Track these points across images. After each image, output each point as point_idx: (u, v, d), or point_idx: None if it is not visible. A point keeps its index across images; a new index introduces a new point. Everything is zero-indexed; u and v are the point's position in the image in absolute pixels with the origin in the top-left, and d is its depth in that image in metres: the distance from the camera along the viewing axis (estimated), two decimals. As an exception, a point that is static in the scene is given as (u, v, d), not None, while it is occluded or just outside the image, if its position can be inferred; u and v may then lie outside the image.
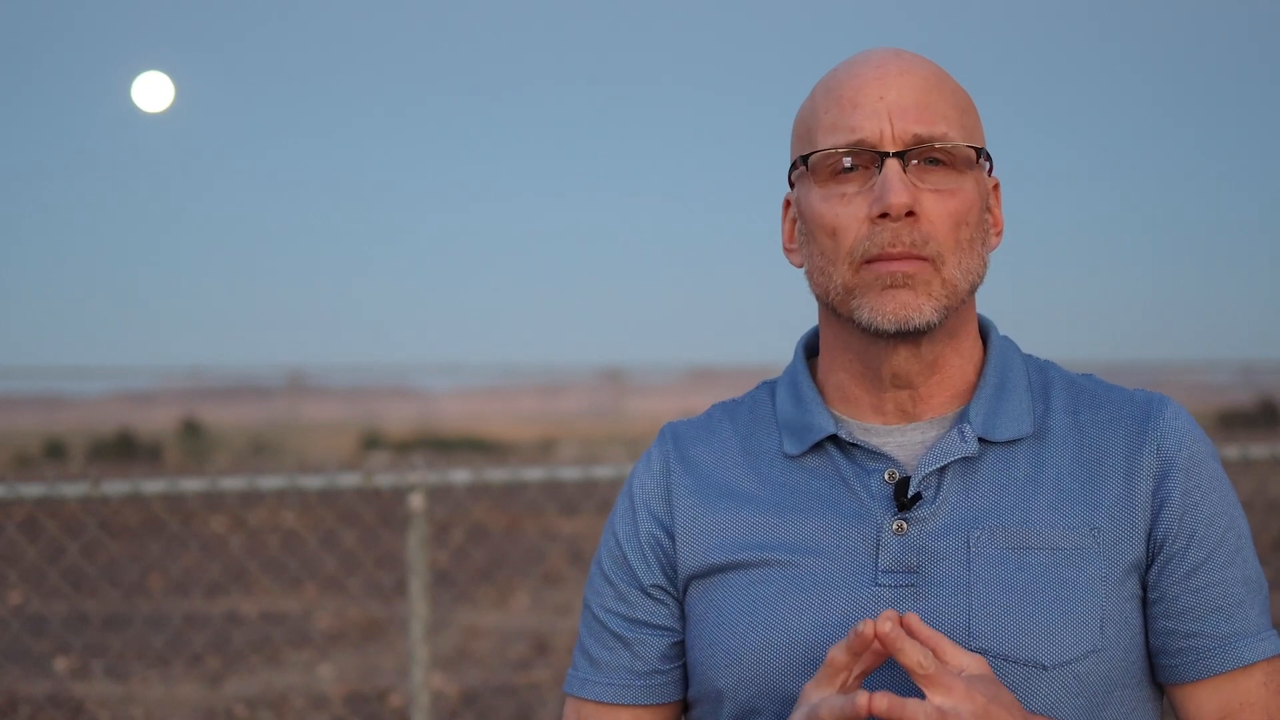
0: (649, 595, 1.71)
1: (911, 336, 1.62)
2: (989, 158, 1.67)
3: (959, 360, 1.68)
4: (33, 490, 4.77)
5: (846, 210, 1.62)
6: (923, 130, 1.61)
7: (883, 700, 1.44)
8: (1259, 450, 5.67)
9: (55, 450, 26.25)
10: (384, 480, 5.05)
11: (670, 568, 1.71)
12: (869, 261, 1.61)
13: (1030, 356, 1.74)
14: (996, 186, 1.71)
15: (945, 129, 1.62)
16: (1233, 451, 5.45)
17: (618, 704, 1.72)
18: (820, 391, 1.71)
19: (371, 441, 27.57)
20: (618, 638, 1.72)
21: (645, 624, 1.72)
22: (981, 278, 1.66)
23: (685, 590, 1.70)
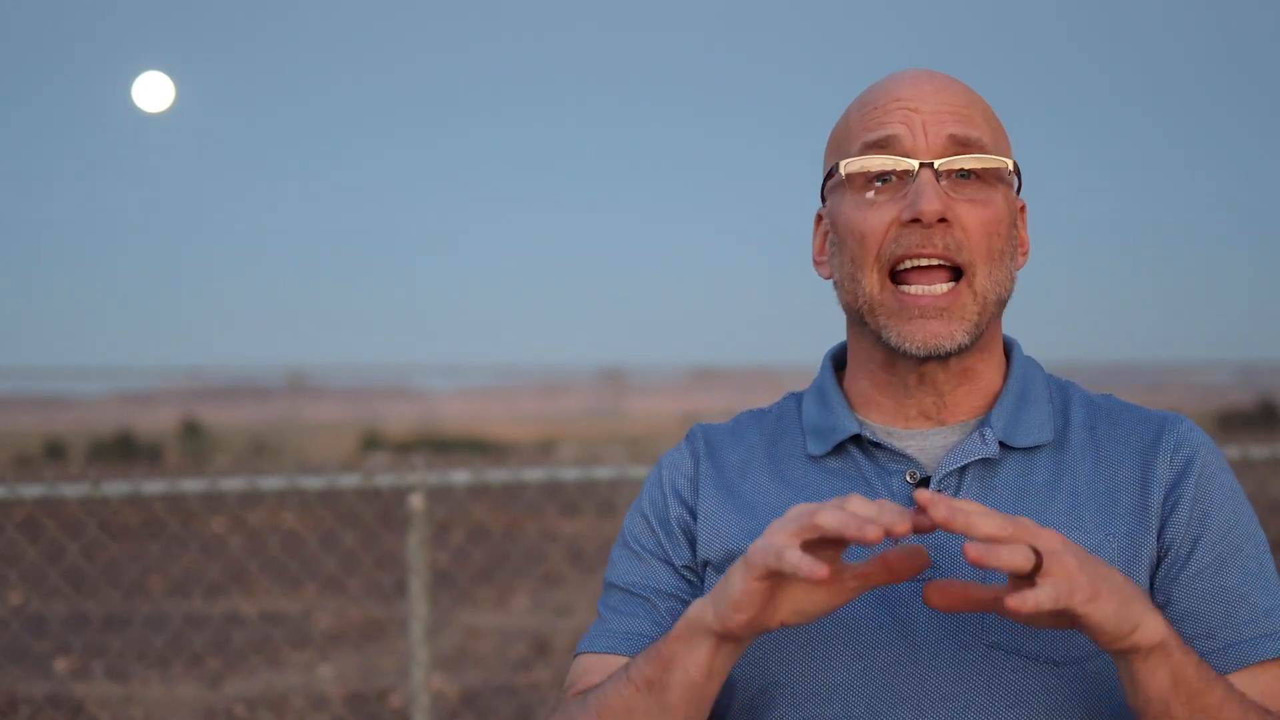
0: (676, 571, 1.71)
1: (940, 358, 1.64)
2: (1019, 173, 1.69)
3: (988, 372, 1.70)
4: (33, 490, 4.77)
5: (876, 215, 1.64)
6: (958, 131, 1.64)
7: (937, 504, 1.41)
8: (1259, 450, 5.67)
9: (55, 450, 26.25)
10: (384, 480, 5.05)
11: (693, 547, 1.72)
12: (896, 266, 1.62)
13: (1051, 375, 1.77)
14: (1023, 208, 1.73)
15: (979, 135, 1.65)
16: (1233, 452, 5.45)
17: (623, 654, 1.68)
18: (846, 399, 1.73)
19: (371, 442, 27.57)
20: (640, 601, 1.70)
21: (668, 595, 1.71)
22: (1009, 293, 1.68)
23: (703, 576, 1.71)
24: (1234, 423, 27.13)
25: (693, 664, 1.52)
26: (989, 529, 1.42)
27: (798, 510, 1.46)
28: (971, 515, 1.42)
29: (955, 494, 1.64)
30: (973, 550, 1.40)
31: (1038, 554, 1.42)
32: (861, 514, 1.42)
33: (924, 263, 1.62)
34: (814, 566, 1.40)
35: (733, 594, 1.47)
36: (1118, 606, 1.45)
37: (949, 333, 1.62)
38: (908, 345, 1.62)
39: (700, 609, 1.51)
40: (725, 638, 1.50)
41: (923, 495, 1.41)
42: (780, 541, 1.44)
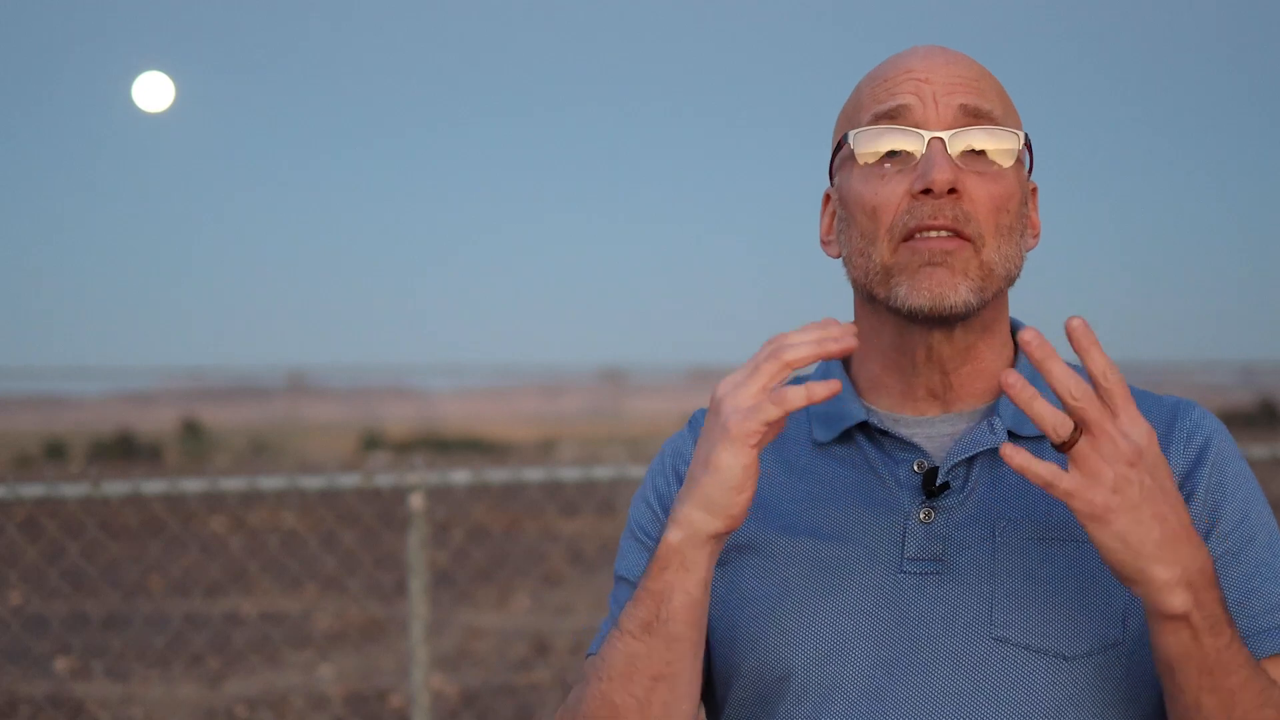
0: None
1: (946, 322, 1.62)
2: (1030, 146, 1.68)
3: (991, 354, 1.68)
4: (33, 490, 4.78)
5: (887, 188, 1.63)
6: (969, 102, 1.63)
7: (1031, 333, 1.43)
8: (1259, 450, 5.67)
9: (55, 450, 26.26)
10: (384, 480, 5.05)
11: None
12: (908, 238, 1.61)
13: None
14: (1034, 190, 1.72)
15: (990, 107, 1.64)
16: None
17: None
18: (853, 383, 1.72)
19: (371, 442, 27.58)
20: None
21: None
22: (1018, 270, 1.66)
23: None
24: (1234, 423, 27.09)
25: (692, 582, 1.52)
26: (1067, 383, 1.44)
27: (747, 370, 1.50)
28: (1056, 363, 1.44)
29: (964, 483, 1.63)
30: (1005, 377, 1.42)
31: (1079, 433, 1.43)
32: (822, 334, 1.47)
33: (933, 234, 1.61)
34: (828, 385, 1.46)
35: (729, 478, 1.49)
36: (1125, 547, 1.45)
37: (953, 283, 1.60)
38: (914, 298, 1.60)
39: (684, 526, 1.51)
40: (720, 536, 1.52)
41: (1025, 334, 1.43)
42: (756, 398, 1.48)
